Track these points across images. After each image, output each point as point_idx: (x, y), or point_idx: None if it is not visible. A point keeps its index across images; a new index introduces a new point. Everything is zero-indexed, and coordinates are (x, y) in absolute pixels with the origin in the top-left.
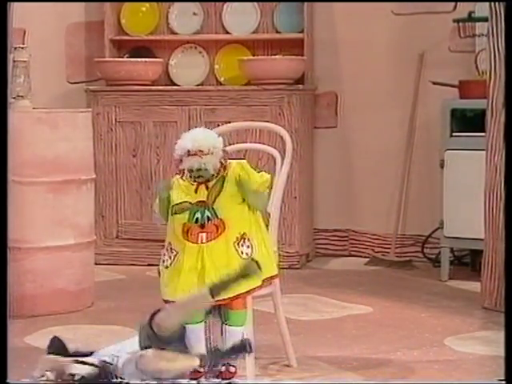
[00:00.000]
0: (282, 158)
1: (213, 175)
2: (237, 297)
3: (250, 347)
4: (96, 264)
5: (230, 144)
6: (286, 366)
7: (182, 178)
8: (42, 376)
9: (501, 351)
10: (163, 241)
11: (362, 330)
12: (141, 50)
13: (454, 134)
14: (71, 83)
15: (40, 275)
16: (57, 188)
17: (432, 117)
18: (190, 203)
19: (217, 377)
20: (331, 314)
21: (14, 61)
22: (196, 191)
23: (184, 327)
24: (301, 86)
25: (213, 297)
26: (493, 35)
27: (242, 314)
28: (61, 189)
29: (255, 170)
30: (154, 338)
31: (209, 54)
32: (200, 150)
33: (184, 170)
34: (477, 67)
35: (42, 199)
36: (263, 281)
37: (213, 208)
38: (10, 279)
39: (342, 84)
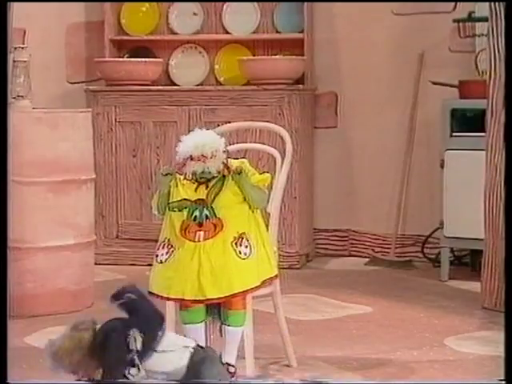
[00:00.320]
0: (282, 158)
1: (215, 176)
2: (233, 296)
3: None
4: (96, 264)
5: (230, 144)
6: (286, 366)
7: (184, 177)
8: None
9: (501, 351)
10: None
11: (362, 330)
12: (141, 49)
13: (454, 133)
14: (71, 83)
15: (40, 275)
16: (57, 188)
17: (432, 117)
18: (190, 201)
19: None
20: (331, 314)
21: (14, 61)
22: (196, 190)
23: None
24: (301, 86)
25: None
26: (493, 35)
27: (241, 314)
28: (61, 189)
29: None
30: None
31: (209, 54)
32: (203, 156)
33: (187, 172)
34: (477, 67)
35: (42, 199)
36: (263, 282)
37: (211, 207)
38: (10, 279)
39: (342, 84)
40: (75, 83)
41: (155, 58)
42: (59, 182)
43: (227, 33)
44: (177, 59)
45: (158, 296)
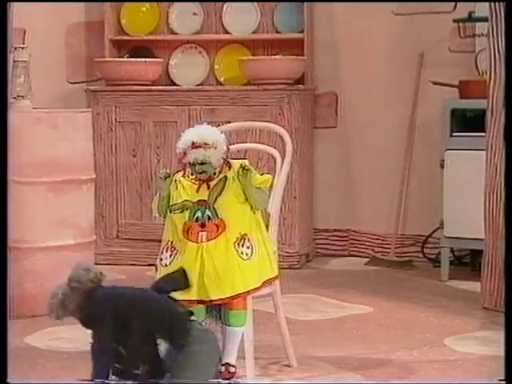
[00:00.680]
0: (282, 158)
1: (215, 173)
2: (235, 297)
3: None
4: (96, 264)
5: (230, 144)
6: (286, 366)
7: (184, 175)
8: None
9: (501, 351)
10: None
11: (362, 330)
12: (141, 49)
13: (454, 133)
14: (71, 83)
15: (40, 275)
16: (57, 188)
17: (432, 117)
18: (191, 202)
19: (217, 377)
20: (331, 314)
21: (14, 61)
22: (197, 190)
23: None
24: (301, 86)
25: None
26: (493, 35)
27: (242, 314)
28: (61, 189)
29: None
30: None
31: (209, 54)
32: (205, 143)
33: (186, 164)
34: (477, 67)
35: (42, 199)
36: (263, 282)
37: (214, 207)
38: (10, 279)
39: (342, 84)
40: (75, 83)
41: (155, 58)
42: (59, 182)
43: (227, 33)
44: (177, 59)
45: None
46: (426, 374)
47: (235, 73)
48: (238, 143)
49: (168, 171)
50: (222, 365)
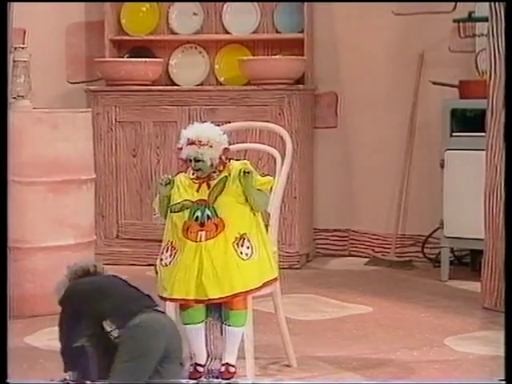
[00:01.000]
0: (282, 158)
1: (215, 172)
2: (234, 296)
3: None
4: None
5: (230, 144)
6: (286, 366)
7: (184, 174)
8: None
9: (501, 351)
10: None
11: (362, 330)
12: (141, 49)
13: (454, 133)
14: (71, 83)
15: (40, 275)
16: (57, 188)
17: (432, 117)
18: (191, 201)
19: (217, 377)
20: (331, 314)
21: (14, 61)
22: (198, 190)
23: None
24: (301, 86)
25: None
26: (493, 35)
27: (242, 314)
28: (61, 189)
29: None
30: None
31: (209, 53)
32: (199, 140)
33: (184, 160)
34: (477, 67)
35: (42, 199)
36: (264, 283)
37: (213, 207)
38: (10, 279)
39: (342, 84)
40: (75, 83)
41: (155, 58)
42: (59, 182)
43: (227, 33)
44: (177, 59)
45: (164, 298)
46: (426, 374)
47: (235, 73)
48: (237, 143)
49: (169, 177)
50: (222, 365)
